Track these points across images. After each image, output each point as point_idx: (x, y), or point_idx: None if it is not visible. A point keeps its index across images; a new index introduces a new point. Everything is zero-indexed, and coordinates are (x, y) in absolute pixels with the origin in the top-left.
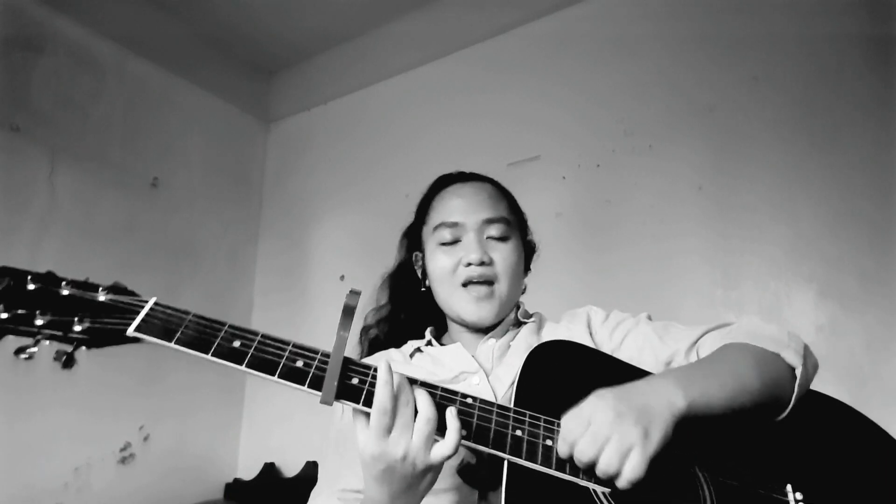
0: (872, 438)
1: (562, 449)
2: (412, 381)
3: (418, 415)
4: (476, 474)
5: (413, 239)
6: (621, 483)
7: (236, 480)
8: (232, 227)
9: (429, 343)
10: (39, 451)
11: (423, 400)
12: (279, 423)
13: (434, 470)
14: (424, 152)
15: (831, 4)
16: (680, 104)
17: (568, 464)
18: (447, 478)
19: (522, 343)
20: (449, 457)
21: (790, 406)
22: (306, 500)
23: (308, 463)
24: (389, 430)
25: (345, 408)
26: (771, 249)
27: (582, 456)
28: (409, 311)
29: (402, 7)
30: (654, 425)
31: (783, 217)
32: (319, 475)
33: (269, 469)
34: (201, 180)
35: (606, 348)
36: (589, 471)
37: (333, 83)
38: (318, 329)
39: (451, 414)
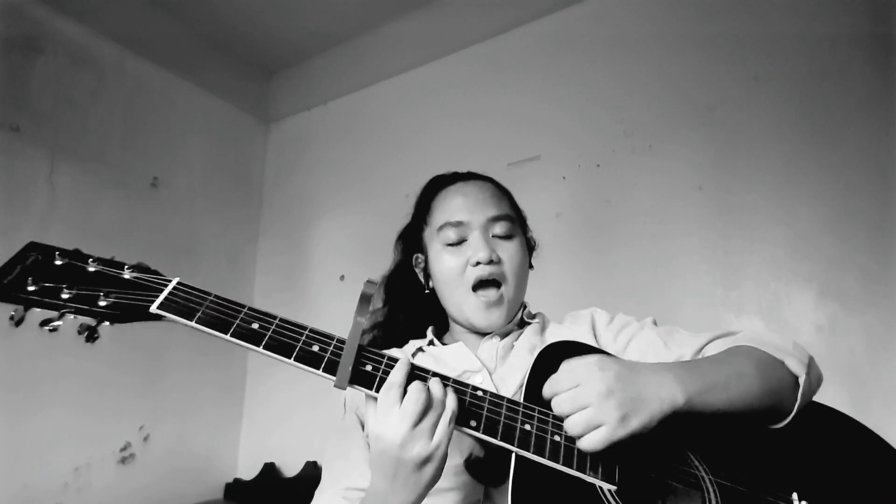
0: (877, 451)
1: (545, 390)
2: (427, 371)
3: (429, 403)
4: (483, 468)
5: (411, 240)
6: (579, 445)
7: (236, 480)
8: (232, 227)
9: (430, 342)
10: (39, 451)
11: (435, 389)
12: (279, 423)
13: (434, 460)
14: (424, 152)
15: (831, 4)
16: (680, 104)
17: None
18: (451, 476)
19: (526, 343)
20: (451, 421)
21: (791, 415)
22: (306, 500)
23: (308, 463)
24: (395, 406)
25: (347, 407)
26: (771, 249)
27: (557, 407)
28: (407, 313)
29: (402, 7)
30: (636, 414)
31: (783, 217)
32: (323, 474)
33: (269, 469)
34: (201, 180)
35: (610, 351)
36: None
37: (333, 83)
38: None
39: (447, 412)
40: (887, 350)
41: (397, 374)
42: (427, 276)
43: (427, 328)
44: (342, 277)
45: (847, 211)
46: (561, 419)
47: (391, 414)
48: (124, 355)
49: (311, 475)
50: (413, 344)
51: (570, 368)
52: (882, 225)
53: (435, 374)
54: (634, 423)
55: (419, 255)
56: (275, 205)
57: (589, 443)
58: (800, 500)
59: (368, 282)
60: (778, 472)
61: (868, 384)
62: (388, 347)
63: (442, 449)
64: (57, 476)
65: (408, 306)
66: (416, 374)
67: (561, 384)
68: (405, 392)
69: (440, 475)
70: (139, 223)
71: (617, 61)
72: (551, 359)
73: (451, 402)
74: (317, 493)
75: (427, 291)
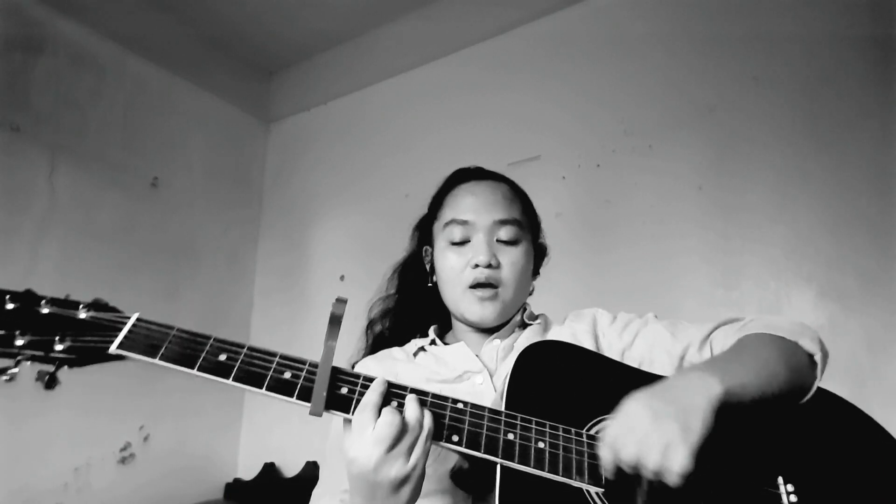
0: (867, 432)
1: (606, 456)
2: (404, 388)
3: (404, 426)
4: (469, 479)
5: (424, 232)
6: (671, 479)
7: (236, 480)
8: (232, 228)
9: (432, 342)
10: (39, 452)
11: (410, 410)
12: (279, 423)
13: (411, 481)
14: (424, 152)
15: (831, 5)
16: (680, 104)
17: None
18: (441, 481)
19: (526, 344)
20: (428, 440)
21: (811, 392)
22: (306, 500)
23: (308, 463)
24: (368, 428)
25: None
26: (771, 249)
27: (628, 457)
28: (415, 304)
29: (402, 7)
30: (692, 417)
31: (783, 217)
32: (320, 477)
33: (269, 469)
34: (201, 180)
35: (616, 348)
36: (634, 478)
37: (333, 83)
38: (318, 329)
39: (427, 411)
40: (887, 350)
41: (371, 395)
42: (432, 269)
43: (431, 323)
44: (342, 277)
45: (847, 211)
46: (636, 475)
47: (364, 437)
48: None
49: (311, 475)
50: (415, 343)
51: (614, 423)
52: (882, 225)
53: (413, 391)
54: (696, 425)
55: (428, 247)
56: (275, 205)
57: (675, 465)
58: (785, 483)
59: (337, 301)
60: (763, 458)
61: (868, 384)
62: (394, 341)
63: (419, 469)
64: (57, 476)
65: (415, 298)
66: (393, 391)
67: (616, 439)
68: (380, 412)
69: (419, 493)
70: (139, 223)
71: (617, 61)
72: (532, 360)
73: (428, 421)
74: (313, 496)
75: (430, 285)
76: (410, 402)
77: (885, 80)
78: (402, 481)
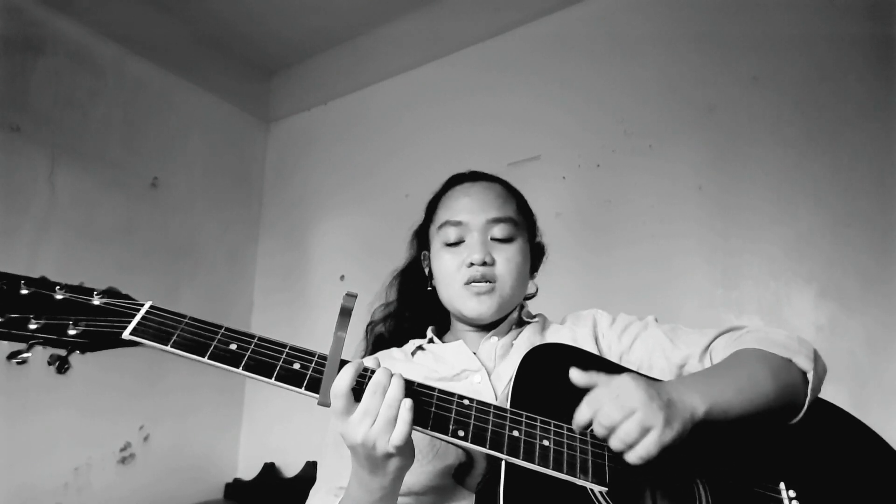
0: (866, 441)
1: (583, 413)
2: (409, 383)
3: (383, 401)
4: (472, 476)
5: (422, 238)
6: (632, 457)
7: (236, 480)
8: (232, 228)
9: (430, 341)
10: (39, 451)
11: (394, 387)
12: (279, 423)
13: (396, 456)
14: (424, 152)
15: (831, 5)
16: (680, 104)
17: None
18: (443, 477)
19: (525, 343)
20: (400, 446)
21: (804, 410)
22: (306, 499)
23: (308, 463)
24: (348, 412)
25: None
26: (771, 249)
27: (605, 419)
28: (414, 309)
29: (402, 7)
30: (676, 418)
31: (783, 217)
32: (318, 473)
33: (269, 469)
34: (201, 180)
35: (615, 351)
36: (591, 451)
37: (333, 83)
38: (318, 329)
39: (405, 406)
40: (887, 350)
41: (344, 377)
42: (430, 273)
43: (429, 326)
44: (342, 277)
45: (847, 211)
46: (603, 438)
47: (351, 411)
48: (124, 355)
49: (311, 475)
50: (413, 343)
51: (604, 384)
52: (882, 225)
53: (420, 385)
54: (676, 426)
55: (426, 252)
56: (275, 205)
57: (644, 448)
58: (787, 489)
59: (348, 295)
60: (765, 463)
61: (868, 384)
62: (393, 343)
63: (402, 447)
64: (57, 476)
65: (415, 303)
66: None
67: (599, 399)
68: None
69: (409, 462)
70: (139, 223)
71: (617, 61)
72: (537, 361)
73: (407, 400)
74: (311, 491)
75: (429, 289)
76: (380, 373)
77: (885, 80)
78: (388, 455)
